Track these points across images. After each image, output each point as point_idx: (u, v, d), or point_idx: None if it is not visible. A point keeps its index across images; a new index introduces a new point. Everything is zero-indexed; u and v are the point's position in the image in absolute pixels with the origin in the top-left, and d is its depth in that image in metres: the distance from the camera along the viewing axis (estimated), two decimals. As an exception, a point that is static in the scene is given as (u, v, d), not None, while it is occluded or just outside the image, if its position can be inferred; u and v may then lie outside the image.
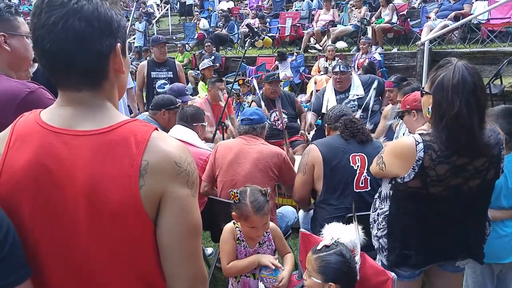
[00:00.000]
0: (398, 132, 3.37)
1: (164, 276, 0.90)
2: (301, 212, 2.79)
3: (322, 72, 7.64)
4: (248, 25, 6.82)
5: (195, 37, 11.65)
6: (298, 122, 4.64)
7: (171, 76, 4.83)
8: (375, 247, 1.79)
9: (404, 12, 8.54)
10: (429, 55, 6.58)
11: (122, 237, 0.85)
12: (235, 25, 11.12)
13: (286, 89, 7.76)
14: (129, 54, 1.05)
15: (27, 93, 1.42)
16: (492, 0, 7.33)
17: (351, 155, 2.32)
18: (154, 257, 0.89)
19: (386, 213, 1.71)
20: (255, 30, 4.57)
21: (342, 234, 1.70)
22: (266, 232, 2.10)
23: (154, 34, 11.17)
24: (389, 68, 7.51)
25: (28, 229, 0.85)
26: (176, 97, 3.47)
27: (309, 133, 4.52)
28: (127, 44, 0.95)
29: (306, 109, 4.94)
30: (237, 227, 2.07)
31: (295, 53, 8.91)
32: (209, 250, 3.28)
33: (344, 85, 4.37)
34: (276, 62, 8.62)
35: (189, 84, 8.31)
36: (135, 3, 10.73)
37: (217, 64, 8.67)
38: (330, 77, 5.11)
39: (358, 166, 2.30)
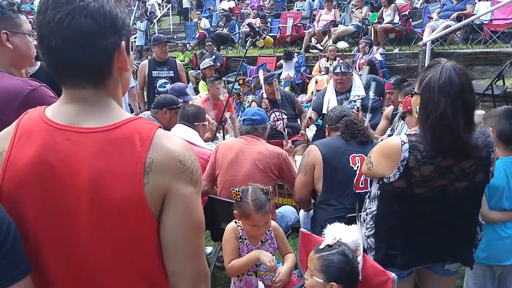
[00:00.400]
0: (400, 133, 3.37)
1: (166, 274, 0.90)
2: (302, 212, 2.79)
3: (323, 72, 7.64)
4: (249, 25, 6.83)
5: (196, 36, 11.68)
6: (299, 122, 4.64)
7: (172, 75, 4.84)
8: (364, 246, 1.78)
9: (406, 12, 8.49)
10: (431, 55, 6.57)
11: (124, 235, 0.85)
12: (236, 25, 11.13)
13: (287, 89, 7.77)
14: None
15: (29, 91, 1.42)
16: (495, 1, 7.30)
17: (351, 156, 2.32)
18: (156, 255, 0.89)
19: (374, 213, 1.71)
20: (256, 29, 4.56)
21: (344, 234, 1.70)
22: (268, 231, 2.10)
23: (155, 33, 11.17)
24: (391, 68, 7.49)
25: (30, 227, 0.85)
26: (177, 97, 3.48)
27: (308, 127, 4.50)
28: (130, 42, 0.95)
29: (306, 109, 4.94)
30: (239, 226, 2.07)
31: (296, 53, 8.91)
32: (209, 249, 3.27)
33: (345, 85, 4.37)
34: (281, 61, 8.62)
35: (190, 84, 8.31)
36: (136, 2, 10.72)
37: (218, 64, 8.69)
38: (331, 77, 5.09)
39: (358, 166, 2.30)
